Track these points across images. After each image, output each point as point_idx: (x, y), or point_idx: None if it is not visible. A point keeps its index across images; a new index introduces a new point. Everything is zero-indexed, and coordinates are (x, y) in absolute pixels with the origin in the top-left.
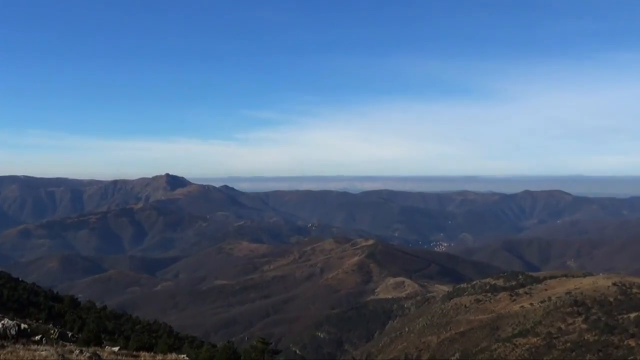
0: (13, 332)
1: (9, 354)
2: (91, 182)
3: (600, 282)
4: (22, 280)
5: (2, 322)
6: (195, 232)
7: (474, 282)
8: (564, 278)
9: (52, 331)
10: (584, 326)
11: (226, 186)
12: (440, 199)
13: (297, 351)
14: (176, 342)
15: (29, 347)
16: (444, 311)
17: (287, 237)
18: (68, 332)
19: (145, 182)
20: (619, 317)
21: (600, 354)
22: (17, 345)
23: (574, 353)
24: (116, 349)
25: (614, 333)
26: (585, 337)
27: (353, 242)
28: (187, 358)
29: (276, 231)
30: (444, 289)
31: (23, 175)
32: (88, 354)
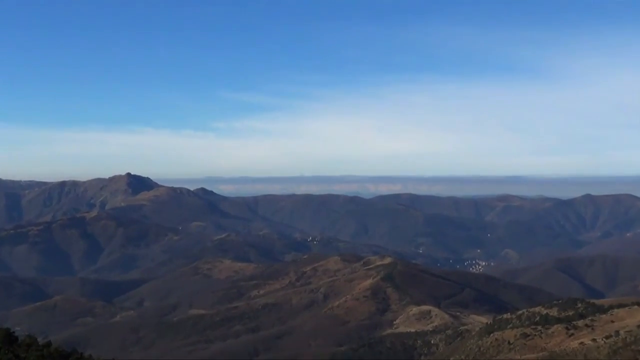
0: None
1: None
2: (31, 184)
3: None
4: None
5: None
6: (164, 248)
7: (520, 312)
8: (636, 307)
9: None
10: None
11: (203, 189)
12: (476, 206)
13: None
14: None
15: None
16: (482, 349)
17: (281, 253)
18: None
19: (101, 184)
20: None
21: None
22: None
23: None
24: None
25: None
26: None
27: (365, 261)
28: None
29: (267, 246)
30: (481, 320)
31: None
32: None
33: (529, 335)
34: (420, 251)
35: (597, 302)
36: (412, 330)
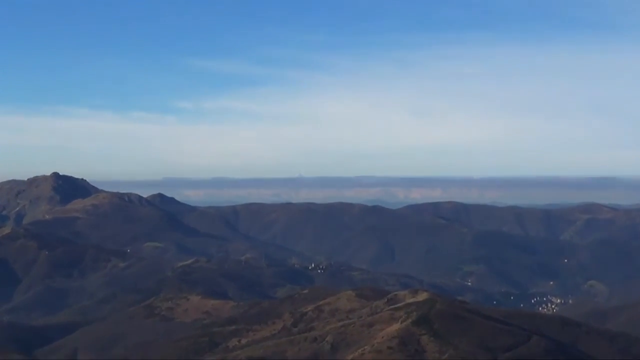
0: None
1: None
2: None
3: None
4: None
5: None
6: (107, 279)
7: None
8: None
9: None
10: None
11: (161, 196)
12: (548, 219)
13: None
14: None
15: None
16: None
17: (271, 287)
18: None
19: (16, 189)
20: None
21: None
22: None
23: None
24: None
25: None
26: None
27: (391, 298)
28: None
29: (252, 277)
30: None
31: None
32: None
33: None
34: (469, 283)
35: None
36: None
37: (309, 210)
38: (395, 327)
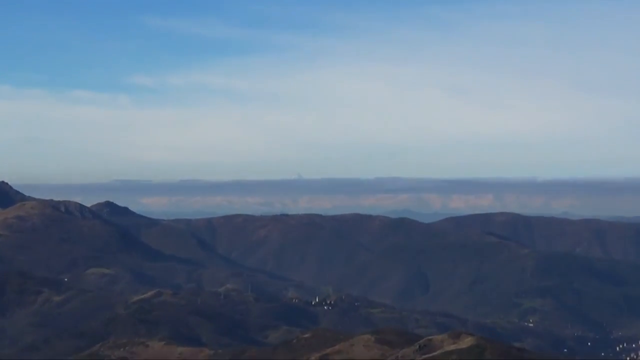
0: None
1: None
2: None
3: None
4: None
5: None
6: (37, 318)
7: None
8: None
9: None
10: None
11: (110, 205)
12: (637, 238)
13: None
14: None
15: None
16: None
17: (260, 329)
18: None
19: None
20: None
21: None
22: None
23: None
24: None
25: None
26: None
27: (423, 343)
28: None
29: (235, 315)
30: None
31: None
32: None
33: None
34: (530, 324)
35: None
36: None
37: (312, 225)
38: None
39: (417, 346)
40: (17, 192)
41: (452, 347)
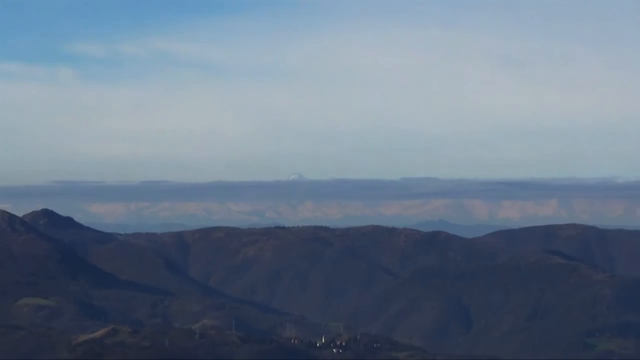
0: None
1: None
2: None
3: None
4: None
5: None
6: None
7: None
8: None
9: None
10: None
11: (48, 213)
12: None
13: None
14: None
15: None
16: None
17: None
18: None
19: None
20: None
21: None
22: None
23: None
24: None
25: None
26: None
27: None
28: None
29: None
30: None
31: None
32: None
33: None
34: None
35: None
36: None
37: (317, 241)
38: None
39: None
40: None
41: None
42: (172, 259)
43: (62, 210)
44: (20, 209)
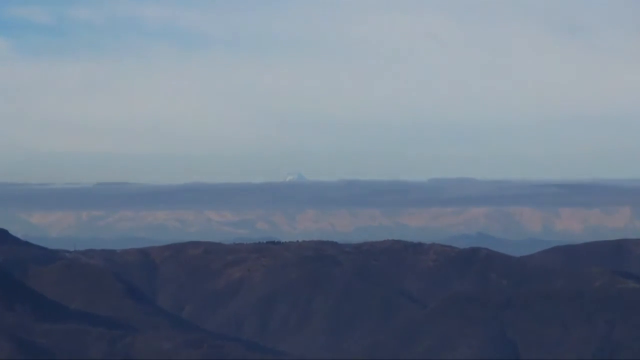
0: None
1: None
2: None
3: None
4: None
5: None
6: None
7: None
8: None
9: None
10: None
11: None
12: None
13: None
14: None
15: None
16: None
17: None
18: None
19: None
20: None
21: None
22: None
23: None
24: None
25: None
26: None
27: None
28: None
29: None
30: None
31: None
32: None
33: None
34: None
35: None
36: None
37: (321, 260)
38: None
39: None
40: None
41: None
42: (135, 283)
43: None
44: None
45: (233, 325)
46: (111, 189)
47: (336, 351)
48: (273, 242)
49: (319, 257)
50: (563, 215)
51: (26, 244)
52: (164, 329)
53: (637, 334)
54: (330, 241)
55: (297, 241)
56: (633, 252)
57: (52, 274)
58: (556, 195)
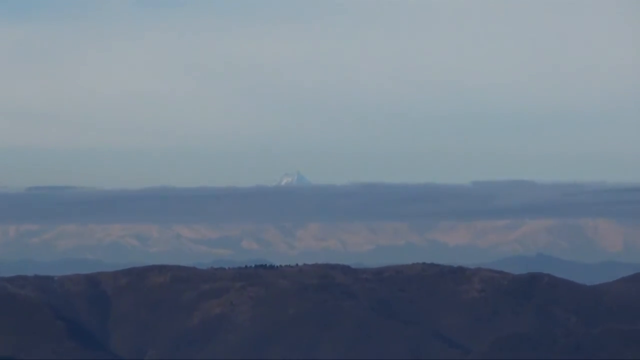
0: None
1: None
2: None
3: None
4: None
5: None
6: None
7: None
8: None
9: None
10: None
11: None
12: None
13: None
14: None
15: None
16: None
17: None
18: None
19: None
20: None
21: None
22: None
23: None
24: None
25: None
26: None
27: None
28: None
29: None
30: None
31: None
32: None
33: None
34: None
35: None
36: None
37: (327, 290)
38: None
39: None
40: None
41: None
42: (80, 321)
43: None
44: None
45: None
46: (48, 196)
47: None
48: (264, 267)
49: (326, 286)
50: None
51: None
52: None
53: None
54: (340, 265)
55: (297, 265)
56: None
57: None
58: None
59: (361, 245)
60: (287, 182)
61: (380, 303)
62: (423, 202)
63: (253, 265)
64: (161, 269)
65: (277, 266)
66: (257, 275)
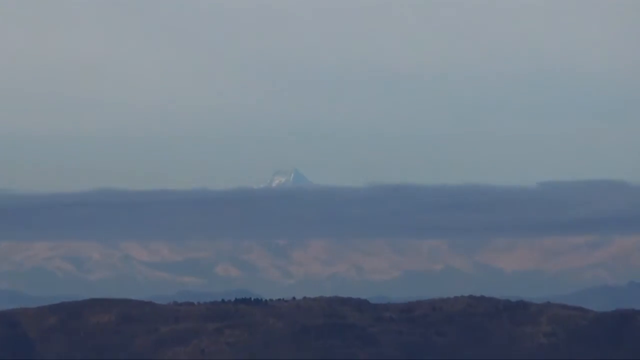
0: None
1: None
2: None
3: None
4: None
5: None
6: None
7: None
8: None
9: None
10: None
11: None
12: None
13: None
14: None
15: None
16: None
17: None
18: None
19: None
20: None
21: None
22: None
23: None
24: None
25: None
26: None
27: None
28: None
29: None
30: None
31: None
32: None
33: None
34: None
35: None
36: None
37: (336, 332)
38: None
39: None
40: None
41: None
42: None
43: None
44: None
45: None
46: None
47: None
48: (247, 301)
49: (335, 328)
50: None
51: None
52: None
53: None
54: (355, 299)
55: (294, 299)
56: None
57: None
58: None
59: (383, 272)
60: (279, 183)
61: (409, 351)
62: (469, 211)
63: (232, 300)
64: (104, 303)
65: (265, 300)
66: (238, 313)
